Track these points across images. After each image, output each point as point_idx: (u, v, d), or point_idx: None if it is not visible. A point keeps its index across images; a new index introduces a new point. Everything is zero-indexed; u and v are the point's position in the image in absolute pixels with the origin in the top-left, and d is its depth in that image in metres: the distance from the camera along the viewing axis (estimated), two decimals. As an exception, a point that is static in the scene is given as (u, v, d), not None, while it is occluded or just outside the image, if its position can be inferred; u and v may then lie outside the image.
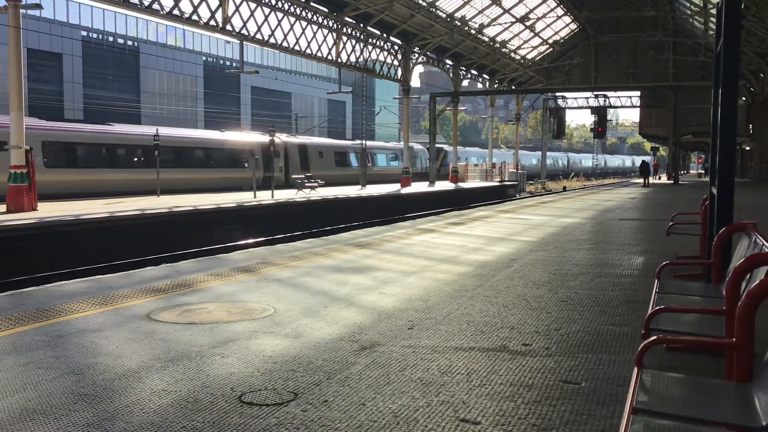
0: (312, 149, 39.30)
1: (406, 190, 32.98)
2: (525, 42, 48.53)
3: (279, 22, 28.57)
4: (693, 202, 19.59)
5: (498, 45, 45.21)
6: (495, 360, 4.70)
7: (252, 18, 27.16)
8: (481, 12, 39.16)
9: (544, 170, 62.19)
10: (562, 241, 11.90)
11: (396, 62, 38.77)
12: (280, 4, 28.32)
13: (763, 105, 44.98)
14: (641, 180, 45.56)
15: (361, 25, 34.13)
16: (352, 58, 34.41)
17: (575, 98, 60.98)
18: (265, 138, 34.06)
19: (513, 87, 55.55)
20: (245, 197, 24.13)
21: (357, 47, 34.60)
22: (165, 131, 29.21)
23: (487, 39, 43.55)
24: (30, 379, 4.29)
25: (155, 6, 22.41)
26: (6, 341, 5.21)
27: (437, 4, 35.64)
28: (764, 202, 22.30)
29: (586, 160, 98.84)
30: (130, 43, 65.04)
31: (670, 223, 8.39)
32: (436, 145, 46.69)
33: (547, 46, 51.48)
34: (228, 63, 74.45)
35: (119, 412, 3.72)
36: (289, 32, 29.35)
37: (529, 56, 52.15)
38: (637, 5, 44.64)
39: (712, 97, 5.96)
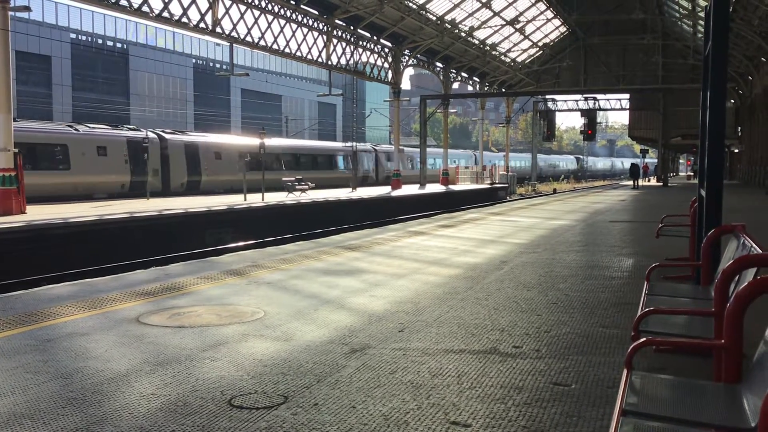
0: (206, 149, 32.09)
1: (396, 193, 33.00)
2: (515, 45, 48.72)
3: (269, 24, 28.55)
4: (682, 204, 19.68)
5: (488, 48, 45.36)
6: (485, 362, 4.71)
7: (242, 20, 27.13)
8: (471, 15, 39.25)
9: (535, 172, 62.33)
10: (552, 243, 11.93)
11: (386, 65, 38.81)
12: (270, 7, 28.29)
13: (751, 107, 45.24)
14: (631, 182, 45.88)
15: (352, 27, 34.15)
16: (342, 61, 34.42)
17: (565, 101, 61.19)
18: (132, 133, 28.53)
19: (503, 90, 55.72)
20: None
21: (347, 50, 34.62)
22: None
23: (477, 42, 43.70)
24: (18, 384, 4.26)
25: (144, 8, 22.34)
26: (-6, 345, 5.18)
27: (427, 6, 35.71)
28: (753, 204, 22.44)
29: (563, 162, 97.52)
30: (119, 45, 64.78)
31: (660, 225, 8.42)
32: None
33: (537, 48, 51.65)
34: (218, 65, 74.23)
35: (108, 416, 3.70)
36: (279, 35, 29.33)
37: (519, 59, 52.30)
38: (627, 8, 44.81)
39: (700, 100, 5.99)
